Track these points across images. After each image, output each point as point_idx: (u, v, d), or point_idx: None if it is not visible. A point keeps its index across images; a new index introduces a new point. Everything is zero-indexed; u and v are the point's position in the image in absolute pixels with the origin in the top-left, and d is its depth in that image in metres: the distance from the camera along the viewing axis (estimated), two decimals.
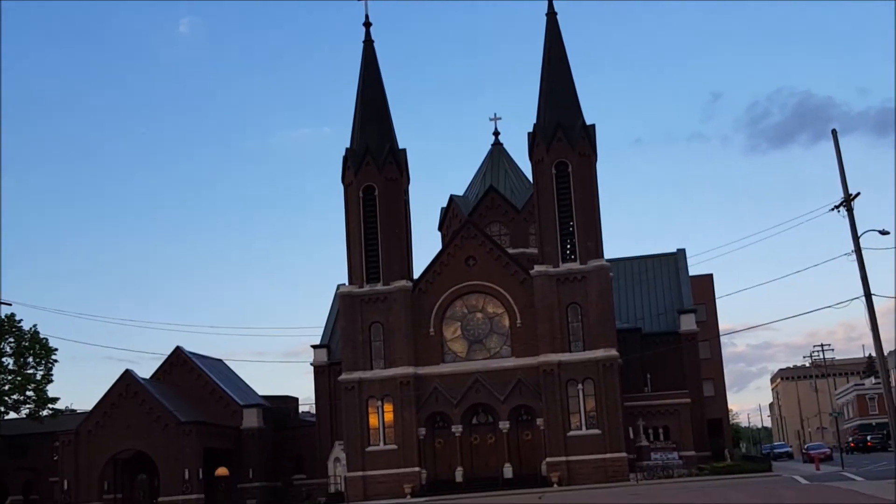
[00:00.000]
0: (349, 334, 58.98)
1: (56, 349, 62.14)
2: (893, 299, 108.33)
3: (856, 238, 37.91)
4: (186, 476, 57.68)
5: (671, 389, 62.27)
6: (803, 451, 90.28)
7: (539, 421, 55.98)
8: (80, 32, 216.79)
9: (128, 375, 60.87)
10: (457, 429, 56.70)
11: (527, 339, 57.13)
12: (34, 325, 61.96)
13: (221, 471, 63.13)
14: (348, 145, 61.57)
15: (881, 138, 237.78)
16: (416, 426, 56.89)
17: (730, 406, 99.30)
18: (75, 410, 70.75)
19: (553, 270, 57.07)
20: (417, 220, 64.64)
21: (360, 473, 56.63)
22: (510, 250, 62.62)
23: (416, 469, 56.15)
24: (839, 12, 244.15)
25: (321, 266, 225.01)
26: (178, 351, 68.16)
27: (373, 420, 57.77)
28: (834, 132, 39.91)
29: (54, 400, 62.70)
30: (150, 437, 59.11)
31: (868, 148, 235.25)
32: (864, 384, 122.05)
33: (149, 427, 59.16)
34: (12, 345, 61.87)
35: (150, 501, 61.93)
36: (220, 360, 73.53)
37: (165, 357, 67.97)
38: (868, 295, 37.70)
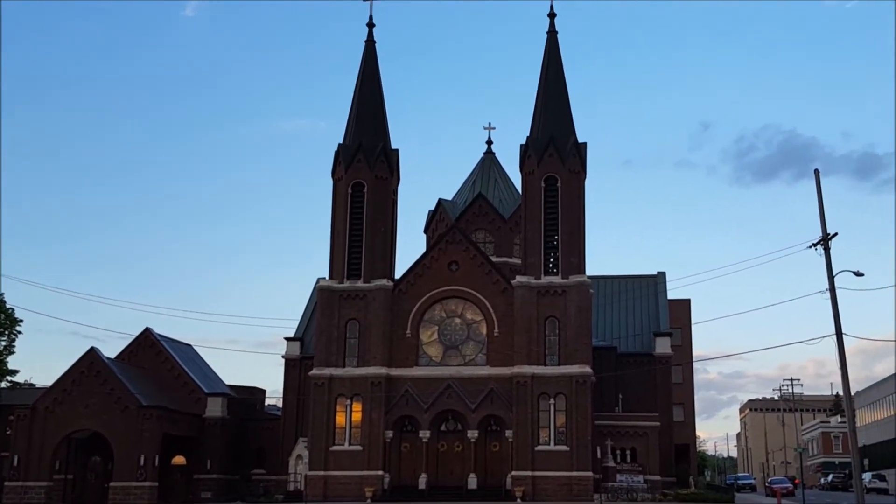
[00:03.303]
0: (324, 329, 58.06)
1: (21, 320, 60.66)
2: (864, 339, 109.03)
3: (831, 277, 38.51)
4: (142, 462, 56.15)
5: (642, 411, 61.92)
6: (766, 484, 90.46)
7: (508, 433, 55.31)
8: (82, 10, 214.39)
9: (92, 353, 59.34)
10: (424, 434, 55.89)
11: (503, 349, 56.52)
12: (0, 294, 60.48)
13: (178, 459, 61.70)
14: (342, 141, 61.02)
15: (861, 182, 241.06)
16: (384, 428, 56.00)
17: (698, 433, 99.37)
18: (34, 385, 69.07)
19: (535, 282, 56.58)
20: (404, 221, 64.18)
21: (321, 473, 55.59)
22: (494, 259, 62.09)
23: (380, 472, 55.23)
24: (829, 58, 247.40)
25: (301, 258, 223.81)
26: (147, 332, 66.78)
27: (340, 419, 56.81)
28: (816, 172, 40.63)
29: (14, 372, 61.10)
30: (108, 418, 57.45)
31: (848, 191, 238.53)
32: (829, 422, 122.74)
33: (108, 408, 57.51)
34: None
35: (102, 485, 60.43)
36: (189, 345, 72.32)
37: (133, 337, 66.71)
38: (839, 334, 38.24)
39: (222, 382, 70.96)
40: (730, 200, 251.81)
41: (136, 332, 66.87)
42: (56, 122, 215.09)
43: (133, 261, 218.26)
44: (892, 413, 79.44)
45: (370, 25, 63.11)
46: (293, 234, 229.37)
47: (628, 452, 59.84)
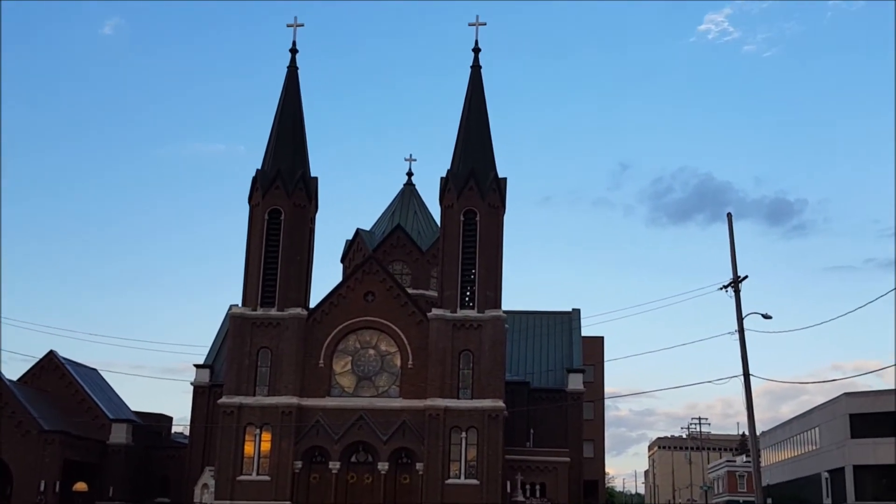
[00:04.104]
0: (235, 357, 57.31)
1: None
2: (770, 381, 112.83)
3: (740, 319, 39.61)
4: (42, 487, 54.88)
5: (553, 446, 62.66)
6: None
7: (419, 465, 55.34)
8: None
9: None
10: (334, 465, 55.48)
11: (416, 382, 56.68)
12: None
13: (80, 486, 59.85)
14: (260, 166, 60.84)
15: (772, 227, 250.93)
16: (293, 458, 55.39)
17: (607, 469, 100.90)
18: None
19: (450, 315, 57.08)
20: (321, 250, 64.26)
21: (227, 502, 54.56)
22: (410, 291, 62.42)
23: (287, 503, 54.53)
24: (746, 104, 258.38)
25: (214, 284, 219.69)
26: (51, 355, 65.12)
27: (248, 448, 55.96)
28: (729, 216, 41.93)
29: None
30: (8, 442, 56.13)
31: (759, 235, 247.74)
32: (735, 461, 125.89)
33: (9, 432, 56.22)
34: None
35: None
36: (94, 370, 70.63)
37: (37, 360, 64.89)
38: (746, 374, 39.33)
39: (128, 408, 69.32)
40: (645, 240, 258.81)
41: (40, 354, 65.32)
42: None
43: (38, 282, 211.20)
44: (796, 454, 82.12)
45: (293, 51, 63.20)
46: (206, 260, 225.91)
47: (538, 487, 60.35)
